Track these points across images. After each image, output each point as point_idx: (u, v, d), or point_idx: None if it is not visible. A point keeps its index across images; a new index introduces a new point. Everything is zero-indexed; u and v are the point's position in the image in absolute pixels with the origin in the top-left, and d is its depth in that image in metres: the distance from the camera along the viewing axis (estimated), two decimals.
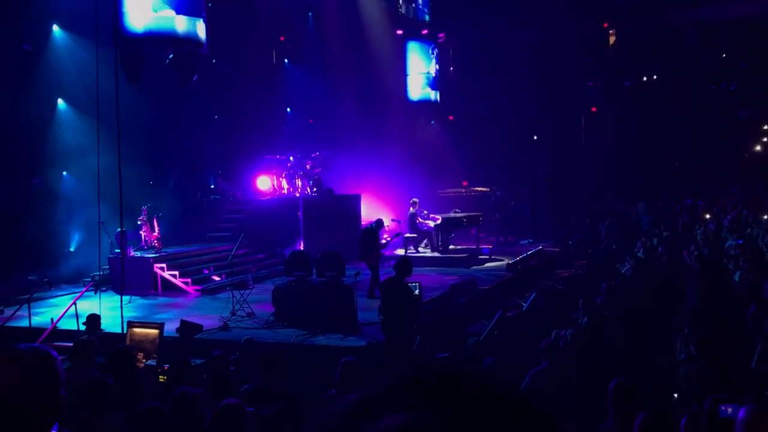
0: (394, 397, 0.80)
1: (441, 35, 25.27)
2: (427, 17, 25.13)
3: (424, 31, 24.69)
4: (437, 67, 24.93)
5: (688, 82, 25.93)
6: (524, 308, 11.32)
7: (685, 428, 4.20)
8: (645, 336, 7.90)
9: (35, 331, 10.54)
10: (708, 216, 19.38)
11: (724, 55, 26.58)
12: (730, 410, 3.91)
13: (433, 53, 24.76)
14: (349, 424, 0.79)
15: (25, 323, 10.95)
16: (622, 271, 12.64)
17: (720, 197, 22.10)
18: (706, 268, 11.22)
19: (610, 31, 28.13)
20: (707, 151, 25.53)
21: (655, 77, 27.88)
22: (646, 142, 25.77)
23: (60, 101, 16.46)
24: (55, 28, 16.22)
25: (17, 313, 11.27)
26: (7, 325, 11.12)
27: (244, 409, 4.12)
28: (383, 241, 13.86)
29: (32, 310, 11.18)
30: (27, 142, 15.43)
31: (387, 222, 15.87)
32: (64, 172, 16.37)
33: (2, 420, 1.82)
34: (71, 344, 8.21)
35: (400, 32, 23.92)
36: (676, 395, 5.74)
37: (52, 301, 13.47)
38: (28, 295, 11.47)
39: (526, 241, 21.15)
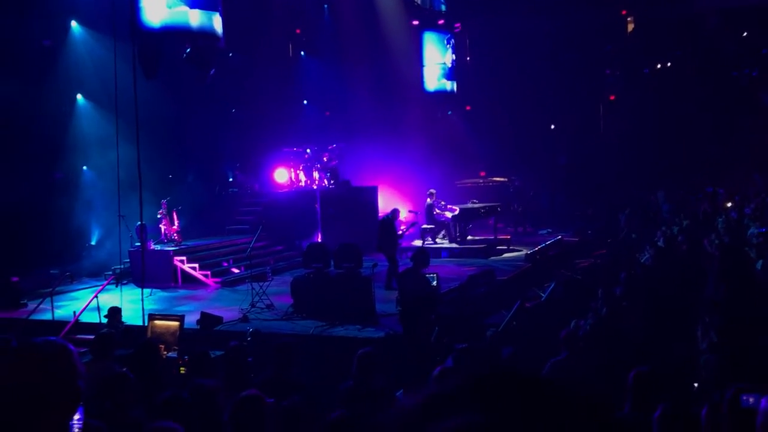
0: (463, 397, 0.81)
1: (457, 25, 25.11)
2: (443, 7, 24.99)
3: (440, 21, 24.56)
4: (454, 57, 24.79)
5: (708, 68, 25.58)
6: (543, 298, 11.27)
7: (706, 418, 4.17)
8: (665, 325, 7.84)
9: (58, 324, 10.70)
10: (729, 204, 19.14)
11: (745, 34, 26.09)
12: (752, 400, 3.87)
13: (449, 43, 24.63)
14: (417, 421, 0.80)
15: (48, 316, 11.11)
16: (642, 260, 12.53)
17: (742, 185, 21.80)
18: (727, 256, 11.08)
19: (629, 18, 27.80)
20: (728, 138, 25.18)
21: (674, 64, 27.52)
22: (665, 130, 25.48)
23: (79, 96, 16.61)
24: (74, 24, 16.36)
25: (40, 306, 11.43)
26: (30, 318, 11.27)
27: (264, 400, 4.15)
28: (399, 232, 13.85)
29: (54, 304, 11.34)
30: (48, 137, 15.60)
31: (404, 213, 15.85)
32: (84, 167, 16.54)
33: (21, 413, 1.85)
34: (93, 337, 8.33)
35: (416, 22, 23.81)
36: (696, 384, 5.70)
37: (73, 294, 13.66)
38: (50, 289, 11.63)
39: (545, 231, 21.06)
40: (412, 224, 15.73)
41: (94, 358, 6.24)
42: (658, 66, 27.69)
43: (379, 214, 18.26)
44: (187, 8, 12.47)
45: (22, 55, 14.77)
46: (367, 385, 5.29)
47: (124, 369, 5.17)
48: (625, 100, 27.23)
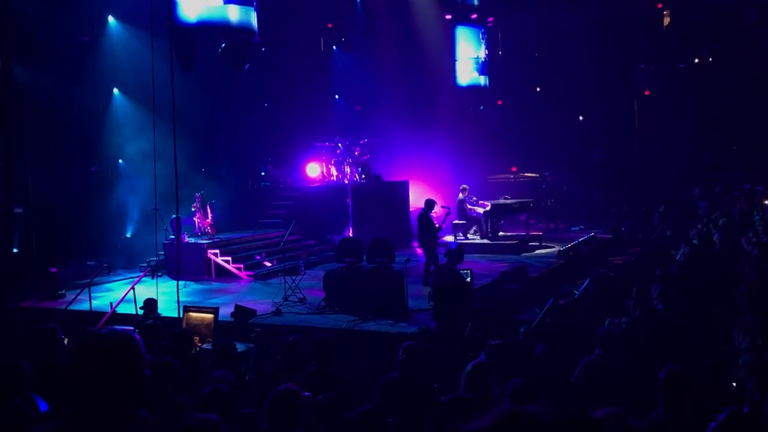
0: None
1: (490, 19, 24.93)
2: (476, 1, 24.82)
3: (474, 16, 24.40)
4: (487, 51, 24.61)
5: (746, 63, 25.04)
6: (576, 296, 11.17)
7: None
8: (701, 324, 7.73)
9: (96, 315, 10.90)
10: (767, 202, 18.78)
11: None
12: None
13: (482, 38, 24.46)
14: None
15: (85, 307, 11.32)
16: (677, 258, 12.37)
17: None
18: (766, 255, 10.88)
19: (665, 12, 27.32)
20: (767, 133, 24.63)
21: (711, 59, 26.99)
22: (701, 126, 25.03)
23: (115, 90, 16.86)
24: (111, 19, 16.60)
25: (78, 297, 11.65)
26: (69, 308, 11.50)
27: (301, 394, 4.20)
28: (436, 225, 13.77)
29: (91, 294, 11.55)
30: (84, 131, 15.88)
31: (436, 208, 15.79)
32: (120, 160, 16.79)
33: (91, 401, 1.92)
34: (131, 327, 8.49)
35: (448, 17, 23.69)
36: (734, 384, 5.62)
37: (108, 285, 13.89)
38: (88, 280, 11.84)
39: (578, 228, 20.86)
40: (446, 216, 15.66)
41: None
42: (695, 60, 27.19)
43: (410, 209, 18.26)
44: (223, 3, 12.54)
45: (60, 51, 15.04)
46: (412, 378, 5.35)
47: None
48: (660, 95, 26.79)
